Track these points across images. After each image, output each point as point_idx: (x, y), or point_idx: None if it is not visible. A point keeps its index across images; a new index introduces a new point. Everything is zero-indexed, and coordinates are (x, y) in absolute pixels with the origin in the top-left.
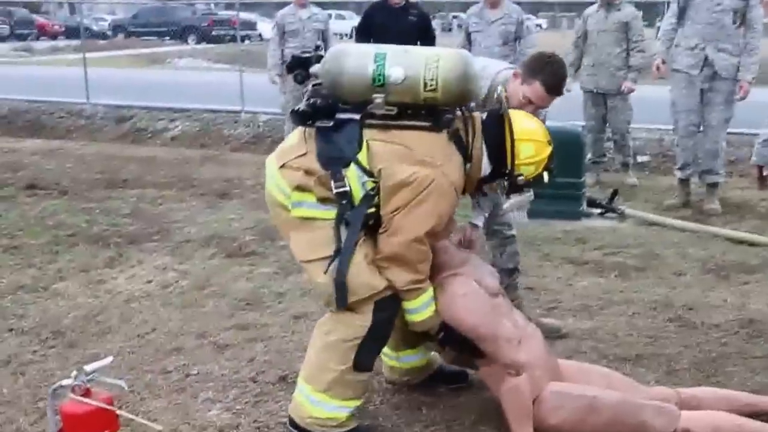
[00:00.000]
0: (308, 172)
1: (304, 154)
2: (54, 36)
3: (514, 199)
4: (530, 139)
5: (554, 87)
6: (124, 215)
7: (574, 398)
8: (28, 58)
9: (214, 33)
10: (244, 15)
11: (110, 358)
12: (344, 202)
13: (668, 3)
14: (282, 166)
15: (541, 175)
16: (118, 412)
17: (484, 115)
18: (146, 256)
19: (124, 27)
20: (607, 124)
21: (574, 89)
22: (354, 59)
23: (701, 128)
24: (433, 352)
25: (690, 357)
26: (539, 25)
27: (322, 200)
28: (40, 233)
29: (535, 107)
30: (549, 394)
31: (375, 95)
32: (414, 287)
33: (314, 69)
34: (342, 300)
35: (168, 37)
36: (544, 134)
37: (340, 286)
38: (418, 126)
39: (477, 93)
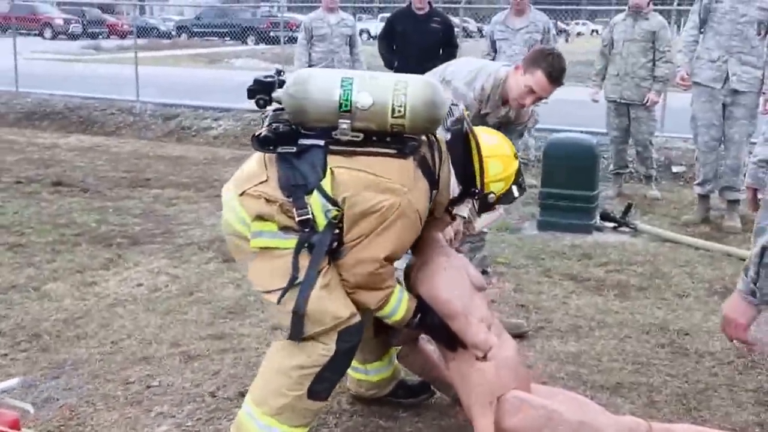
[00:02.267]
0: (269, 200)
1: (265, 181)
2: (123, 35)
3: (486, 217)
4: (497, 155)
5: (556, 76)
6: (135, 215)
7: (535, 407)
8: (93, 56)
9: (272, 34)
10: (301, 17)
11: (17, 380)
12: (306, 230)
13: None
14: (242, 194)
15: (510, 191)
16: None
17: (448, 136)
18: (144, 258)
19: (187, 27)
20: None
21: (600, 98)
22: (319, 84)
23: (722, 143)
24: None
25: (674, 387)
26: (581, 33)
27: (283, 229)
28: (48, 232)
29: (536, 97)
30: (510, 397)
31: (341, 121)
32: (385, 304)
33: (277, 94)
34: (298, 331)
35: (228, 38)
36: (509, 148)
37: (298, 318)
38: (384, 152)
39: (443, 120)
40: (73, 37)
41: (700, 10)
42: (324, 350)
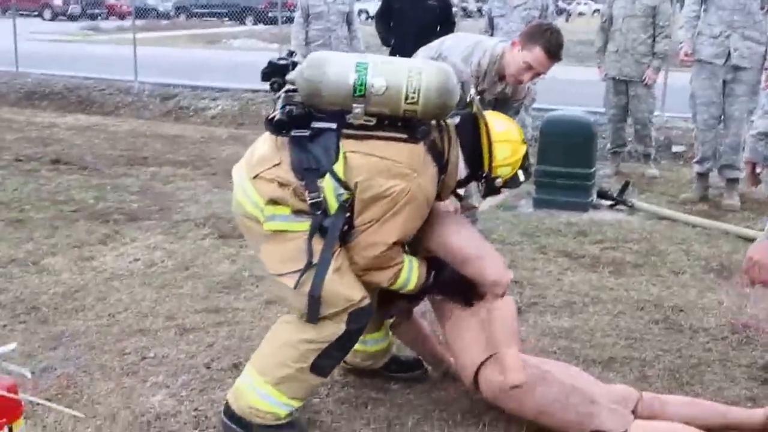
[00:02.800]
0: (282, 184)
1: (278, 164)
2: (122, 16)
3: (490, 200)
4: (506, 140)
5: (554, 51)
6: (132, 192)
7: (529, 366)
8: (91, 37)
9: (270, 14)
10: None
11: (14, 345)
12: (318, 213)
13: None
14: (255, 177)
15: (516, 176)
16: (34, 399)
17: (457, 120)
18: (141, 234)
19: (186, 8)
20: (629, 114)
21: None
22: (335, 67)
23: (722, 121)
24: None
25: (666, 362)
26: (582, 13)
27: (296, 212)
28: (47, 208)
29: (534, 72)
30: (504, 354)
31: (354, 105)
32: (396, 280)
33: (291, 76)
34: (314, 314)
35: (227, 18)
36: (518, 133)
37: (314, 300)
38: (396, 137)
39: (454, 107)
40: (73, 18)
41: None
42: (334, 329)
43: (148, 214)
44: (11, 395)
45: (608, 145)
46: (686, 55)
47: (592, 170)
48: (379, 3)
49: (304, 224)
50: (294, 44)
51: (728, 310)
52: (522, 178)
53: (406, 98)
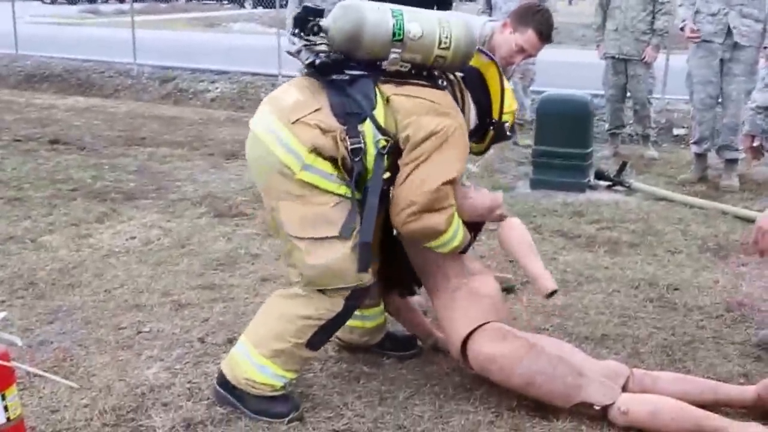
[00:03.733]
0: (325, 130)
1: (319, 109)
2: (122, 0)
3: (489, 154)
4: (508, 89)
5: (546, 33)
6: (129, 172)
7: (517, 337)
8: (92, 20)
9: None
10: None
11: (3, 314)
12: (357, 159)
13: None
14: (294, 122)
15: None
16: (32, 370)
17: (461, 74)
18: (138, 212)
19: None
20: (628, 94)
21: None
22: (374, 13)
23: (720, 100)
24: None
25: (659, 339)
26: None
27: (333, 174)
28: (45, 186)
29: (526, 54)
30: (492, 325)
31: (393, 50)
32: (450, 225)
33: (325, 23)
34: (364, 264)
35: (226, 2)
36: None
37: (365, 247)
38: (427, 84)
39: (473, 56)
40: (72, 1)
41: None
42: (332, 305)
43: (145, 193)
44: (3, 362)
45: (606, 126)
46: (692, 31)
47: (589, 150)
48: None
49: (341, 187)
50: (289, 24)
51: (723, 288)
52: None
53: (440, 44)
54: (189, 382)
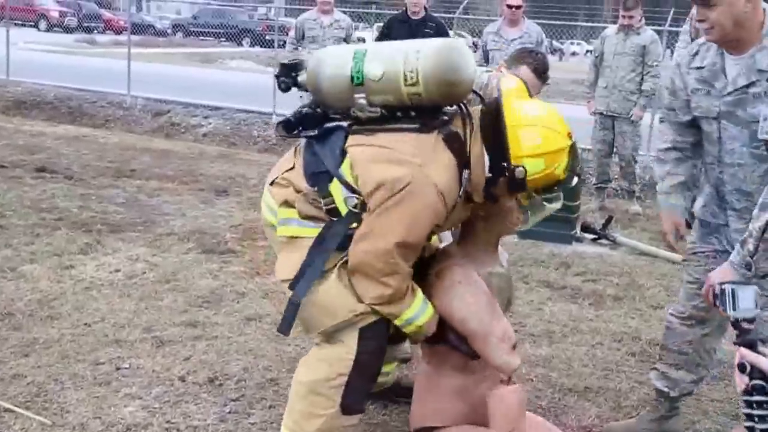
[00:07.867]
0: (297, 189)
1: (292, 168)
2: (119, 31)
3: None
4: (535, 125)
5: (541, 70)
6: (117, 204)
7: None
8: (87, 49)
9: (268, 37)
10: (293, 20)
11: None
12: (335, 219)
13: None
14: (272, 183)
15: (561, 178)
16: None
17: (480, 107)
18: (123, 245)
19: (183, 26)
20: (615, 149)
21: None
22: (333, 59)
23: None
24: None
25: (642, 394)
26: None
27: (310, 218)
28: (29, 215)
29: None
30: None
31: (356, 96)
32: (384, 304)
33: (302, 77)
34: (287, 324)
35: (224, 39)
36: (557, 122)
37: (292, 307)
38: (407, 128)
39: (469, 85)
40: (69, 30)
41: (690, 30)
42: (345, 353)
43: (132, 225)
44: None
45: (593, 180)
46: None
47: (577, 203)
48: (376, 32)
49: (317, 230)
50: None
51: None
52: (574, 182)
53: (405, 80)
54: (167, 422)
